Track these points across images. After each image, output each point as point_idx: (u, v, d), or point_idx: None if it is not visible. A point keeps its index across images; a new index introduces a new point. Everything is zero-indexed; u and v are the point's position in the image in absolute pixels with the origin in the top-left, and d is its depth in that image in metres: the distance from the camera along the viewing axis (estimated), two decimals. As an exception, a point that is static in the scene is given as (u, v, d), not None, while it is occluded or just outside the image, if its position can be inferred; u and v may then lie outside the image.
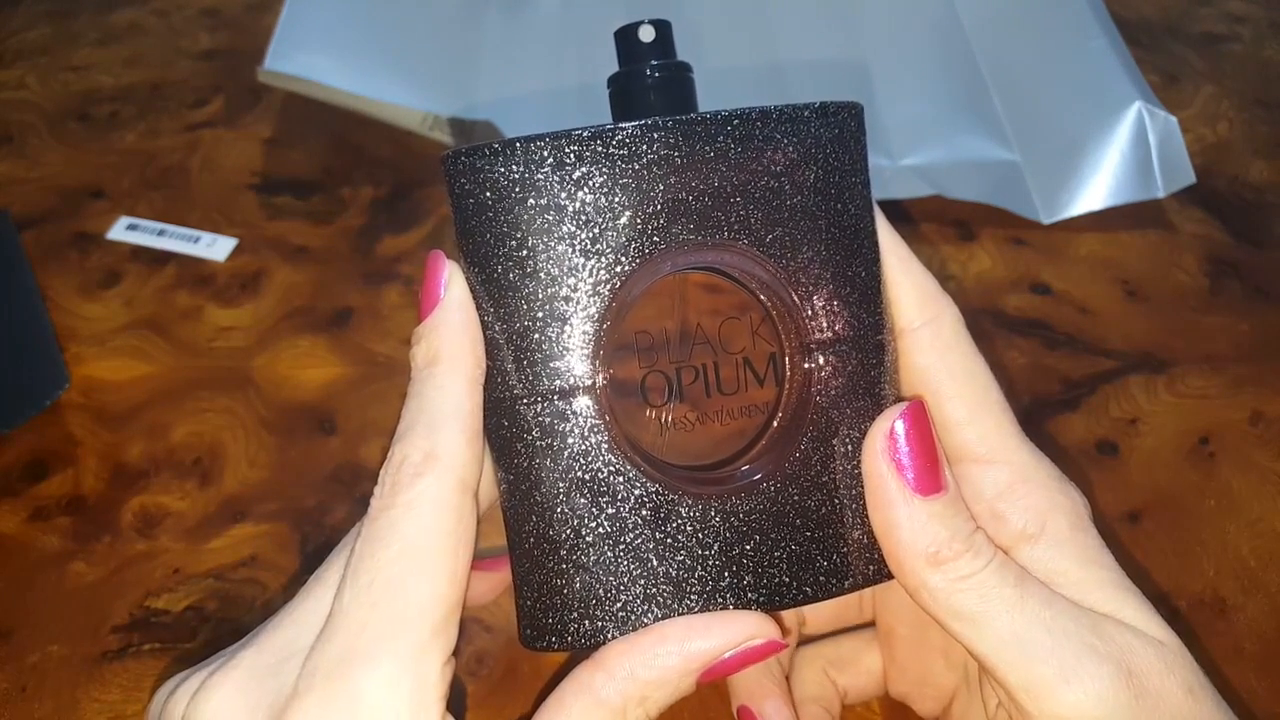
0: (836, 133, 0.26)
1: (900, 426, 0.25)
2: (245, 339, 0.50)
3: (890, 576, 0.26)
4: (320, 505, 0.43)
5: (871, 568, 0.26)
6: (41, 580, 0.40)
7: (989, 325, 0.51)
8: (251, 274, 0.54)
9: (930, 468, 0.25)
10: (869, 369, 0.26)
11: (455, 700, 0.24)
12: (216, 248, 0.55)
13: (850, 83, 0.57)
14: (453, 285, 0.25)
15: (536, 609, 0.26)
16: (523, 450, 0.25)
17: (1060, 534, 0.26)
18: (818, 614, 0.34)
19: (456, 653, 0.24)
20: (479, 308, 0.26)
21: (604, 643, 0.25)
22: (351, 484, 0.43)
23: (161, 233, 0.56)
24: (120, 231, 0.56)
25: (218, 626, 0.39)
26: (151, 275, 0.54)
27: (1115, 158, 0.53)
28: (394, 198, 0.58)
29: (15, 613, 0.39)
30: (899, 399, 0.27)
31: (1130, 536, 0.41)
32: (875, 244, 0.27)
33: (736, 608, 0.25)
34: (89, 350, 0.49)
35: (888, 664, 0.33)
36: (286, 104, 0.64)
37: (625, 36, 0.28)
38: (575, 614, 0.25)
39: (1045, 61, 0.57)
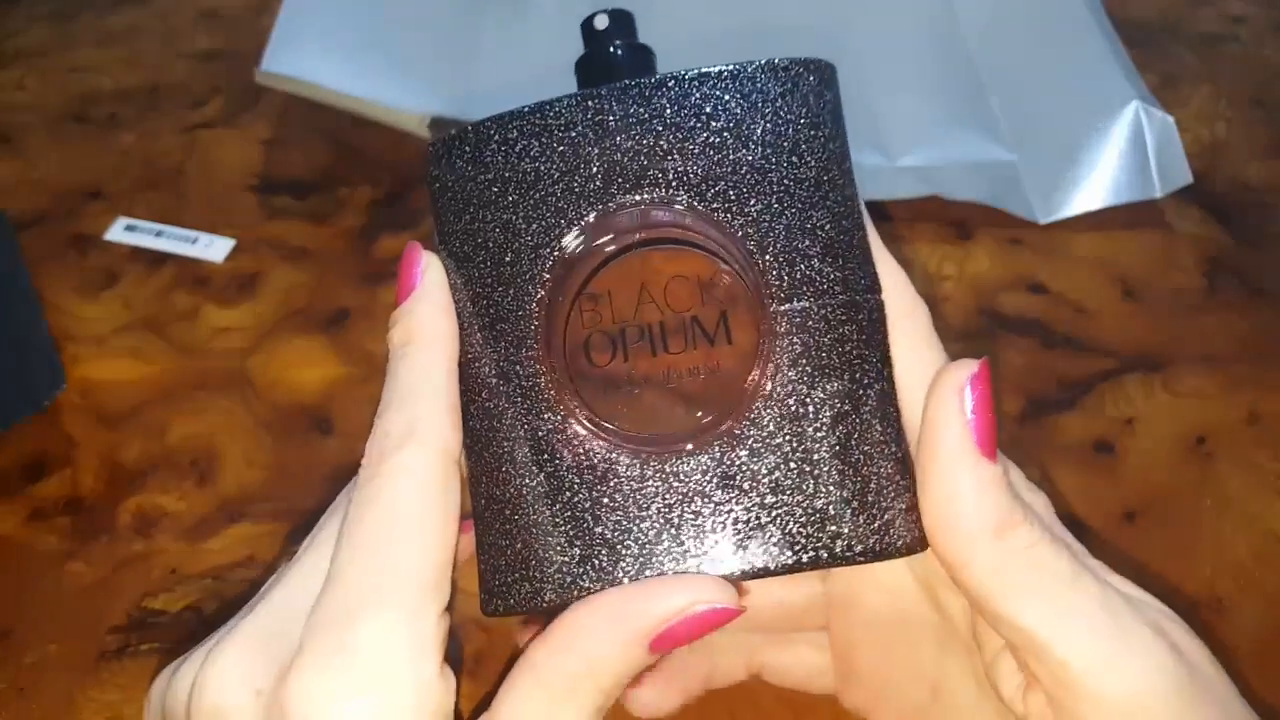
0: (788, 87, 0.26)
1: (971, 383, 0.24)
2: (243, 339, 0.50)
3: (865, 558, 0.25)
4: (318, 506, 0.42)
5: (839, 543, 0.24)
6: (39, 580, 0.40)
7: (986, 325, 0.51)
8: (249, 275, 0.54)
9: (992, 431, 0.24)
10: (836, 327, 0.25)
11: (453, 655, 0.24)
12: (214, 248, 0.55)
13: (845, 83, 0.57)
14: (430, 271, 0.27)
15: (488, 572, 0.26)
16: (475, 412, 0.26)
17: (1045, 525, 0.25)
18: (756, 614, 0.32)
19: (452, 610, 0.25)
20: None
21: (541, 606, 0.25)
22: (349, 484, 0.44)
23: (159, 233, 0.56)
24: (118, 232, 0.56)
25: (215, 627, 0.39)
26: (149, 276, 0.54)
27: (1113, 158, 0.54)
28: (392, 198, 0.58)
29: (13, 613, 0.39)
30: (884, 361, 0.25)
31: (1127, 536, 0.41)
32: (846, 199, 0.26)
33: (675, 573, 0.24)
34: (87, 351, 0.49)
35: (844, 673, 0.31)
36: (284, 105, 0.64)
37: (585, 27, 0.29)
38: (517, 575, 0.25)
39: (1042, 61, 0.57)
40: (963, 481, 0.23)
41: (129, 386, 0.48)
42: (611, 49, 0.28)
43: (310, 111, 0.60)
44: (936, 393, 0.24)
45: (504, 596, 0.26)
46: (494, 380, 0.26)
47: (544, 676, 0.23)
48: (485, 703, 0.25)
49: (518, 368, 0.26)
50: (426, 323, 0.26)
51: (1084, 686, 0.23)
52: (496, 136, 0.26)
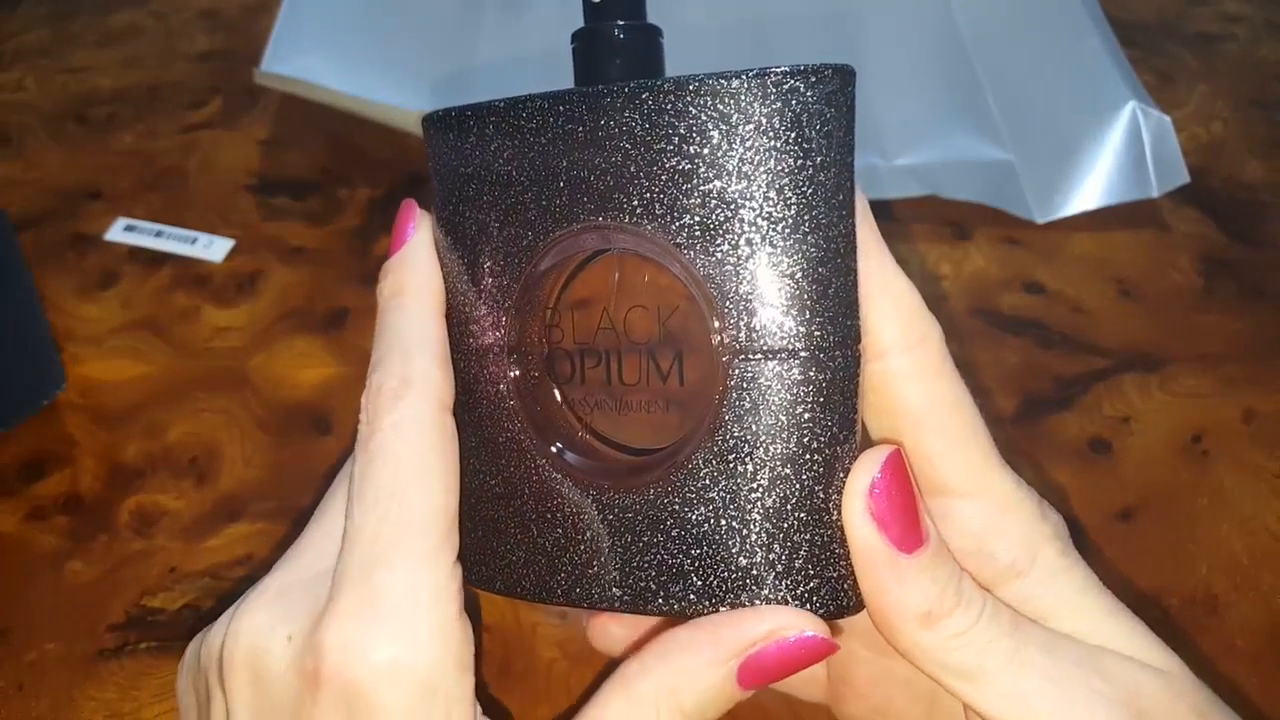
0: (777, 107, 0.22)
1: (880, 482, 0.23)
2: (242, 339, 0.50)
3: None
4: (316, 504, 0.43)
5: (758, 604, 0.24)
6: (38, 579, 0.40)
7: (983, 325, 0.51)
8: (248, 274, 0.54)
9: (912, 522, 0.23)
10: (790, 388, 0.23)
11: (468, 603, 0.25)
12: (214, 248, 0.55)
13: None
14: (421, 228, 0.27)
15: (463, 543, 0.27)
16: (458, 399, 0.26)
17: (1051, 564, 0.25)
18: None
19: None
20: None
21: (495, 591, 0.26)
22: (347, 483, 0.44)
23: (159, 234, 0.56)
24: (118, 232, 0.56)
25: (214, 625, 0.39)
26: (149, 276, 0.54)
27: (1109, 157, 0.54)
28: (391, 198, 0.59)
29: (12, 611, 0.39)
30: (842, 424, 0.24)
31: (1123, 535, 0.41)
32: (830, 240, 0.23)
33: (599, 598, 0.25)
34: (86, 350, 0.50)
35: (839, 685, 0.31)
36: (283, 105, 0.64)
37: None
38: (477, 558, 0.26)
39: (1040, 61, 0.57)
40: (883, 579, 0.23)
41: (128, 386, 0.48)
42: (615, 30, 0.26)
43: (309, 112, 0.60)
44: (845, 495, 0.24)
45: (470, 570, 0.27)
46: (466, 377, 0.26)
47: (631, 688, 0.24)
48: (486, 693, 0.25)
49: (483, 373, 0.26)
50: (418, 274, 0.26)
51: None
52: (475, 129, 0.25)
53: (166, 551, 0.41)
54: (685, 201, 0.23)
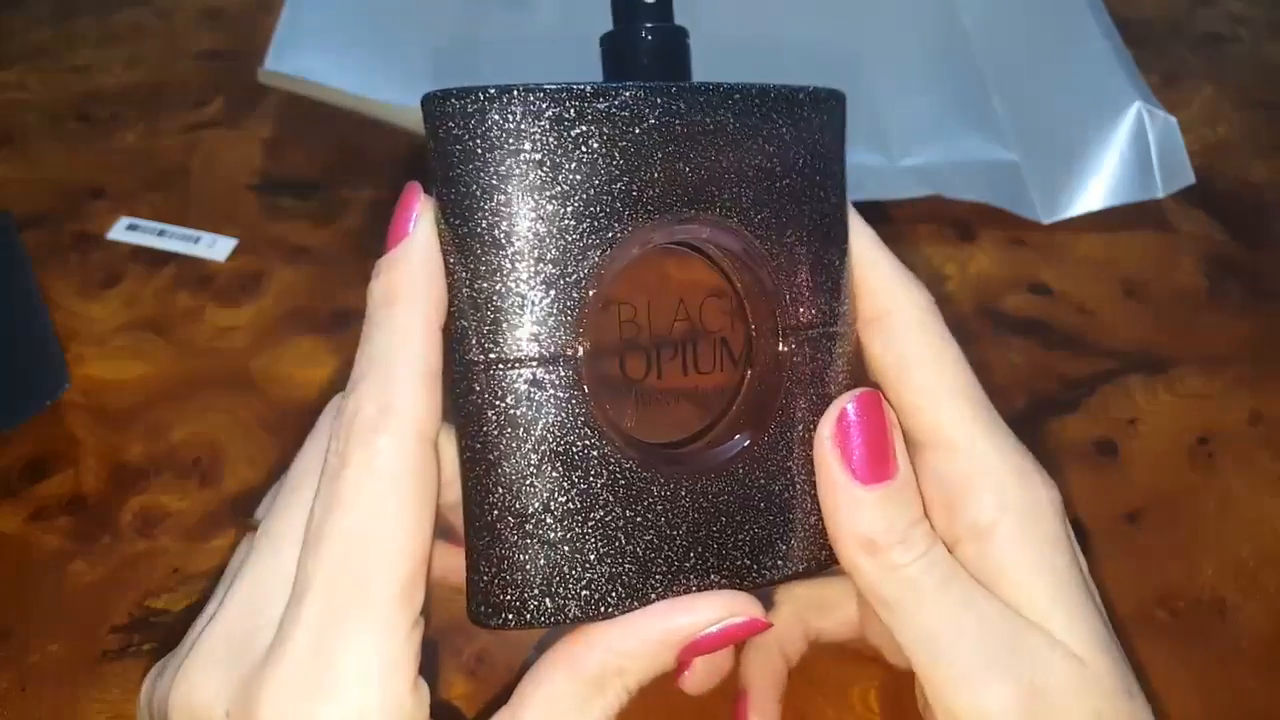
0: (825, 118, 0.26)
1: (850, 412, 0.25)
2: (245, 339, 0.50)
3: (836, 562, 0.27)
4: (320, 505, 0.43)
5: (824, 553, 0.27)
6: (41, 580, 0.40)
7: (988, 325, 0.51)
8: (252, 274, 0.54)
9: (876, 456, 0.25)
10: (835, 358, 0.27)
11: (426, 662, 0.24)
12: (217, 248, 0.55)
13: (849, 82, 0.57)
14: (422, 221, 0.24)
15: (494, 585, 0.24)
16: (493, 418, 0.24)
17: (1012, 533, 0.26)
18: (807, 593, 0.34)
19: (428, 618, 0.24)
20: (452, 262, 0.24)
21: (566, 622, 0.24)
22: (351, 484, 0.43)
23: (162, 233, 0.56)
24: (121, 232, 0.56)
25: (217, 626, 0.39)
26: (152, 275, 0.54)
27: (1115, 158, 0.54)
28: (394, 198, 0.58)
29: (15, 612, 0.39)
30: (853, 383, 0.27)
31: (1129, 537, 0.41)
32: (846, 233, 0.27)
33: (698, 587, 0.25)
34: (89, 350, 0.49)
35: (868, 613, 0.32)
36: (287, 105, 0.64)
37: None
38: (537, 591, 0.24)
39: (1045, 62, 0.57)
40: (832, 501, 0.25)
41: (131, 386, 0.48)
42: (644, 34, 0.26)
43: (312, 111, 0.60)
44: (819, 425, 0.26)
45: (517, 611, 0.24)
46: (522, 387, 0.23)
47: (578, 668, 0.24)
48: (492, 703, 0.25)
49: (553, 377, 0.23)
50: (416, 279, 0.24)
51: (929, 701, 0.25)
52: (550, 112, 0.23)
53: (170, 552, 0.41)
54: (765, 196, 0.25)
